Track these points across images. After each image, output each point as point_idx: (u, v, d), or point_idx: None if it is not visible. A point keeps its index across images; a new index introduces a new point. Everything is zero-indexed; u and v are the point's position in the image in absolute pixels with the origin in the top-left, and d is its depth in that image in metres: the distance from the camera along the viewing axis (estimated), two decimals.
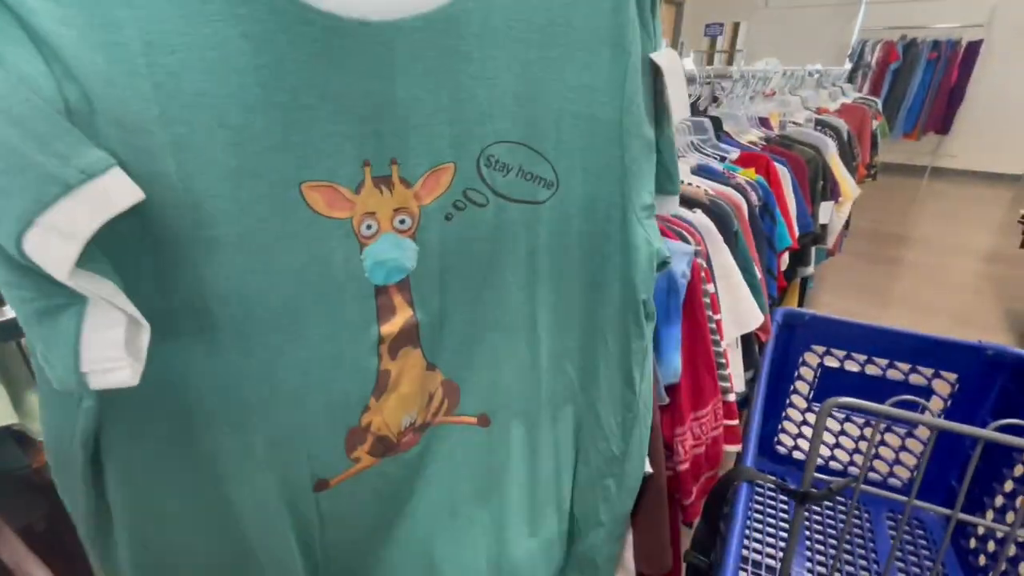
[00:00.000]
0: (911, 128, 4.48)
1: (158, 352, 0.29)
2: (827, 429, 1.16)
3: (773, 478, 0.59)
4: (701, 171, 0.90)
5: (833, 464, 1.15)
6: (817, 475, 0.59)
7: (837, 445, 1.12)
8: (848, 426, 1.10)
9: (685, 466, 0.59)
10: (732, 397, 0.67)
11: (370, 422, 0.39)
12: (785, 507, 1.06)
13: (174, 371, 0.31)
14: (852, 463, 1.10)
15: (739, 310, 0.72)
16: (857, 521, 1.04)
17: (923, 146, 4.60)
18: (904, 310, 2.53)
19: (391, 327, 0.37)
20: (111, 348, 0.25)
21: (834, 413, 1.14)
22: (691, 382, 0.58)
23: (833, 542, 0.98)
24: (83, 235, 0.23)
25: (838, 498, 1.09)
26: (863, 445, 1.09)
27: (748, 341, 0.85)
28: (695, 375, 0.58)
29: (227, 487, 0.36)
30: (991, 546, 0.85)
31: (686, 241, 0.62)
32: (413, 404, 0.40)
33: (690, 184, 0.82)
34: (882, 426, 0.63)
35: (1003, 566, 0.77)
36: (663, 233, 0.59)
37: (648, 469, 0.49)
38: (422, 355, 0.39)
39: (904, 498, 0.57)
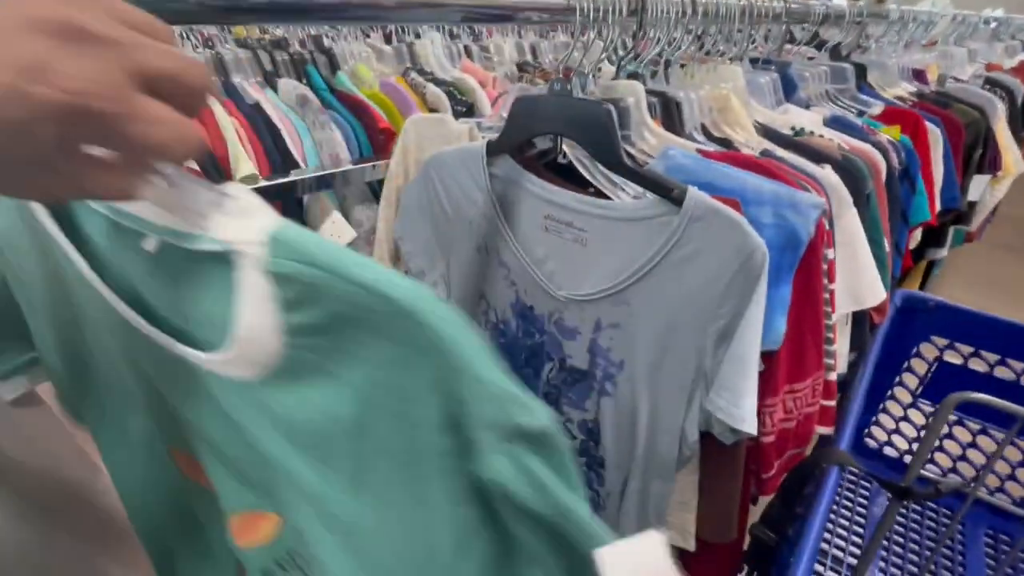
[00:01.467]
0: None
1: None
2: (928, 428, 1.05)
3: (867, 469, 0.54)
4: (835, 123, 0.79)
5: (930, 468, 1.05)
6: (922, 472, 0.53)
7: (940, 448, 1.02)
8: (957, 430, 0.98)
9: (770, 439, 0.56)
10: (834, 376, 0.61)
11: None
12: (865, 500, 0.98)
13: None
14: (955, 470, 0.99)
15: (858, 283, 0.64)
16: (946, 530, 0.95)
17: None
18: None
19: None
20: None
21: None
22: (793, 351, 0.53)
23: (914, 547, 0.91)
24: None
25: (929, 503, 0.99)
26: (971, 453, 0.97)
27: (858, 320, 0.76)
28: (799, 344, 0.53)
29: None
30: None
31: None
32: None
33: (821, 136, 0.72)
34: (1013, 433, 0.55)
35: None
36: (785, 182, 0.53)
37: (752, 431, 0.46)
38: None
39: None
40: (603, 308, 0.56)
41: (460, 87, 0.93)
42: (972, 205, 1.15)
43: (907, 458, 1.06)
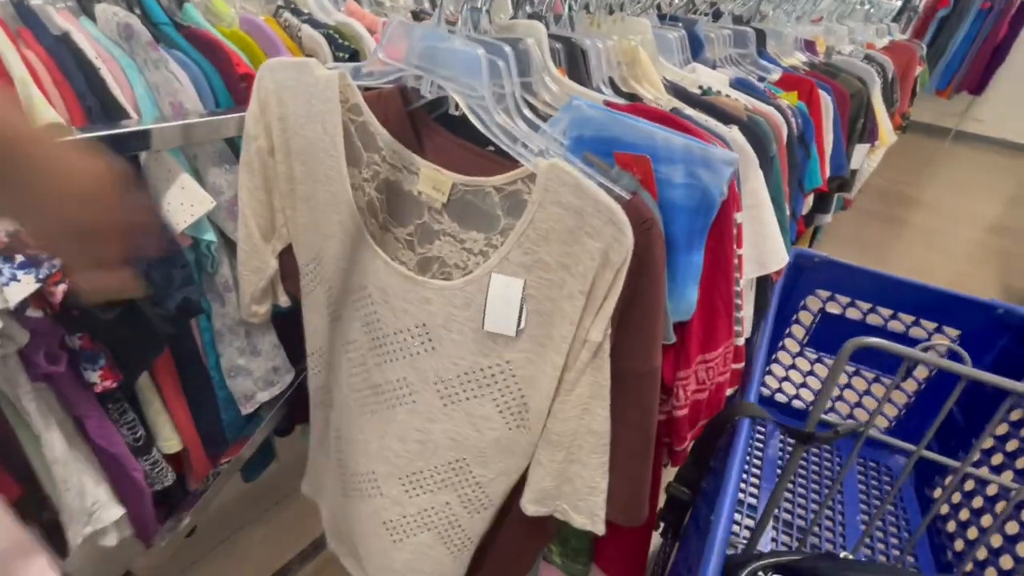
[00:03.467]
0: (945, 85, 4.22)
1: None
2: (813, 374, 1.13)
3: (775, 420, 0.54)
4: (739, 85, 0.77)
5: (829, 415, 1.13)
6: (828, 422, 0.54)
7: (840, 397, 1.10)
8: (855, 379, 1.06)
9: (683, 412, 0.53)
10: (742, 342, 0.60)
11: None
12: (760, 443, 1.05)
13: None
14: (852, 416, 1.08)
15: (764, 247, 0.63)
16: (828, 459, 1.04)
17: (952, 106, 4.36)
18: (900, 273, 2.50)
19: None
20: None
21: (824, 359, 1.09)
22: (705, 321, 0.50)
23: (815, 479, 0.99)
24: None
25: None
26: (846, 392, 1.07)
27: (760, 283, 0.77)
28: (711, 313, 0.51)
29: None
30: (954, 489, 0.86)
31: None
32: None
33: (727, 96, 0.70)
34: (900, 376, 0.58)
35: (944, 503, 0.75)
36: (697, 135, 0.49)
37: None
38: None
39: (910, 446, 0.52)
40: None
41: (343, 32, 0.80)
42: (853, 173, 1.23)
43: (796, 402, 1.14)
